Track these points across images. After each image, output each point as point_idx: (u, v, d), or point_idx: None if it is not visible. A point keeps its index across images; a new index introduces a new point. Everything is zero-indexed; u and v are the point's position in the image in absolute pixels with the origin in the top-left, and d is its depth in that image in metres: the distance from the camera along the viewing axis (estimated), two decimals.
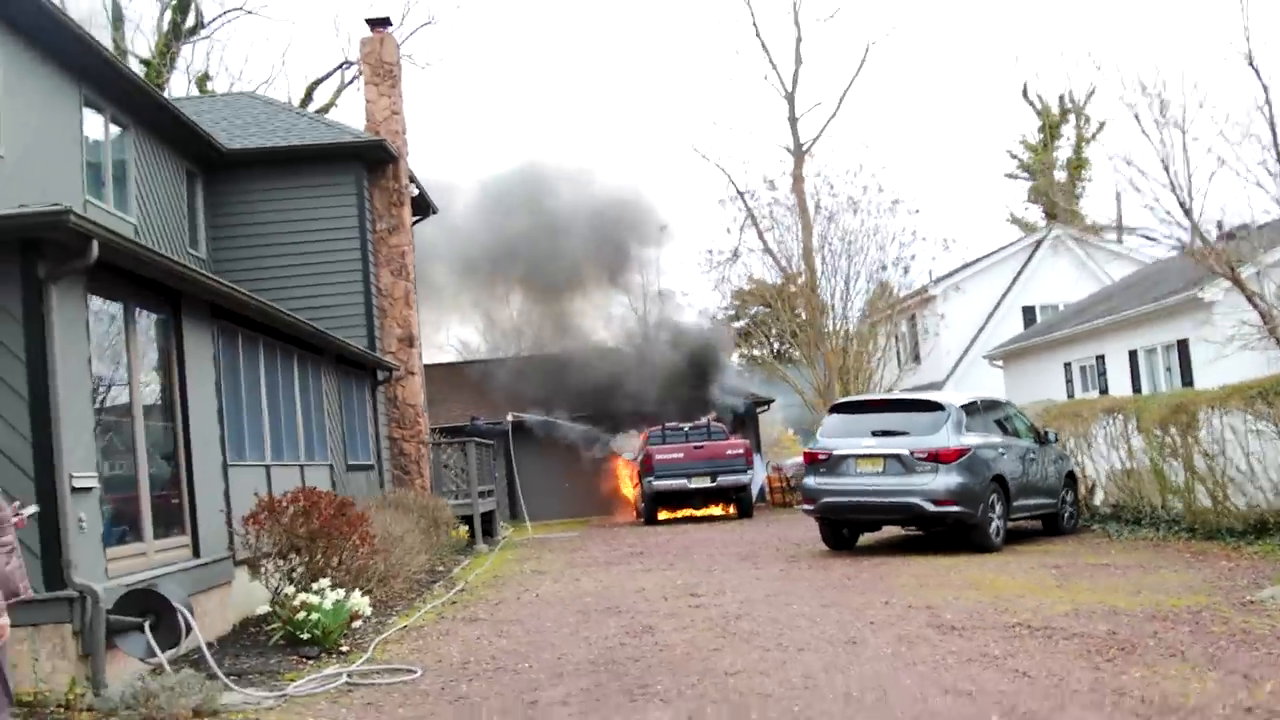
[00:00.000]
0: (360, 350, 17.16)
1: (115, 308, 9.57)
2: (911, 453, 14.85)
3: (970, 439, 15.08)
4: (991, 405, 16.79)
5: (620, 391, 30.37)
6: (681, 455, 25.03)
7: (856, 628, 9.56)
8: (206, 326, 11.34)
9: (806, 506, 15.79)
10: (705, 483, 25.01)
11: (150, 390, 10.32)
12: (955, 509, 14.63)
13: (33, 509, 6.92)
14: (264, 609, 10.52)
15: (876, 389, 28.01)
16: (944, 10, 66.74)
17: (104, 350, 9.39)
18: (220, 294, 10.73)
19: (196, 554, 10.63)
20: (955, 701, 6.89)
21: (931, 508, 14.64)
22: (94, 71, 14.35)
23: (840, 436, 15.66)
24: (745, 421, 32.21)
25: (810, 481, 15.65)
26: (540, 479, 30.30)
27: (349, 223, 19.08)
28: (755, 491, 27.24)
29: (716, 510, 26.92)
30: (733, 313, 32.91)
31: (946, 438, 14.88)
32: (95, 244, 7.93)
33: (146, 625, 8.44)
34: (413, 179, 20.87)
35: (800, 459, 33.04)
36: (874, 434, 15.34)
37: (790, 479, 29.87)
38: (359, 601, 10.42)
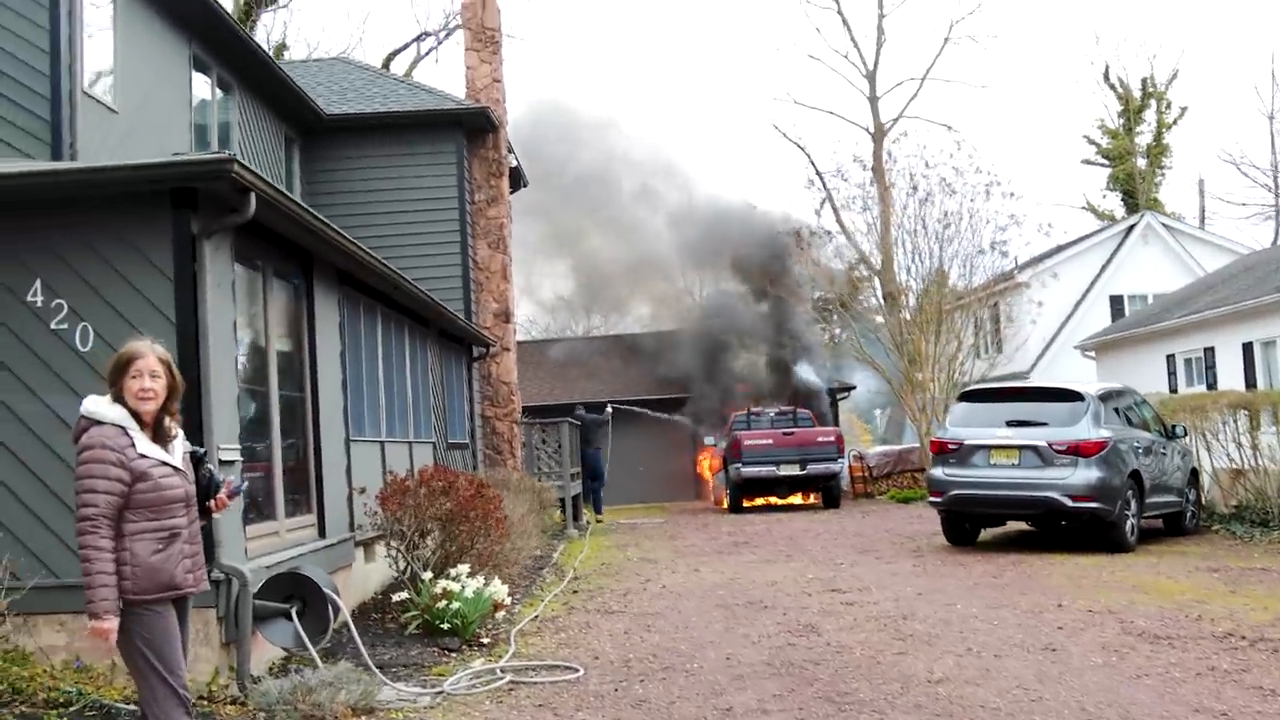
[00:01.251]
0: (464, 324, 16.50)
1: (254, 269, 8.96)
2: (1050, 444, 14.02)
3: (1109, 431, 14.27)
4: (1119, 394, 15.93)
5: (703, 375, 29.69)
6: (771, 441, 24.18)
7: (1045, 633, 8.81)
8: (334, 292, 10.72)
9: (934, 499, 15.00)
10: (794, 470, 24.13)
11: (281, 359, 9.72)
12: (1094, 505, 13.82)
13: (239, 485, 5.77)
14: (399, 596, 9.83)
15: (967, 378, 27.06)
16: None
17: (241, 315, 8.77)
18: (355, 258, 10.07)
19: (322, 534, 10.01)
20: None
21: (1070, 503, 13.84)
22: (203, 28, 13.74)
23: (970, 426, 14.86)
24: (825, 409, 31.42)
25: (938, 472, 14.85)
26: (613, 463, 29.46)
27: (448, 193, 18.41)
28: None
29: (798, 499, 26.16)
30: (816, 297, 32.02)
31: (1087, 429, 14.05)
32: (253, 197, 7.29)
33: (294, 612, 7.84)
34: (511, 150, 20.20)
35: (883, 448, 32.45)
36: (1009, 424, 14.51)
37: (873, 468, 29.06)
38: (499, 589, 9.76)
